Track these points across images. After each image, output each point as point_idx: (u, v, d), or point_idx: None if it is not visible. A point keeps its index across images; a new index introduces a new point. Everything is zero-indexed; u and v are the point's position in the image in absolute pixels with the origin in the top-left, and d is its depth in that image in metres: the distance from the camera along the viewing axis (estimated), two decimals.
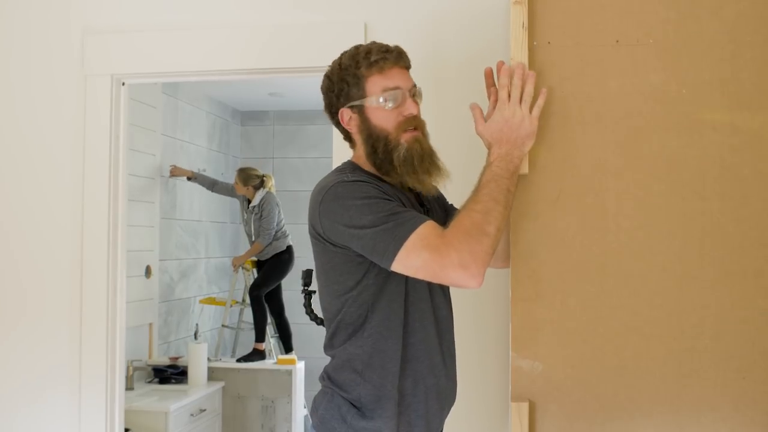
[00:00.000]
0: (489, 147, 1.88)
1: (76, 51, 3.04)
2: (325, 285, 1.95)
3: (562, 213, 1.94)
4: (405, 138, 1.91)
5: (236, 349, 6.16)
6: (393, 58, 1.93)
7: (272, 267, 5.82)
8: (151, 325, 5.41)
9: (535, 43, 1.97)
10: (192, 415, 4.78)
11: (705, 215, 1.91)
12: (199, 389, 5.00)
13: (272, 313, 5.83)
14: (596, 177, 1.94)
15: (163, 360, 5.37)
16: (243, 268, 6.12)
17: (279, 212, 5.84)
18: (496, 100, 1.91)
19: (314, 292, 4.53)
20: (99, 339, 2.98)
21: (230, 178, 6.64)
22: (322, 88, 2.01)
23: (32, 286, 3.05)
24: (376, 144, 1.92)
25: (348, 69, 1.93)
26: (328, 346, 1.97)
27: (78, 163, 3.01)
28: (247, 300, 5.96)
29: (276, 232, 5.79)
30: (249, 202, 5.91)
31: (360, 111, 1.93)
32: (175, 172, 5.78)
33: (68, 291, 3.01)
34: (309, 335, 5.95)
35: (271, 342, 5.83)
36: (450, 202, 2.20)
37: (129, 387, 4.70)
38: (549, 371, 1.94)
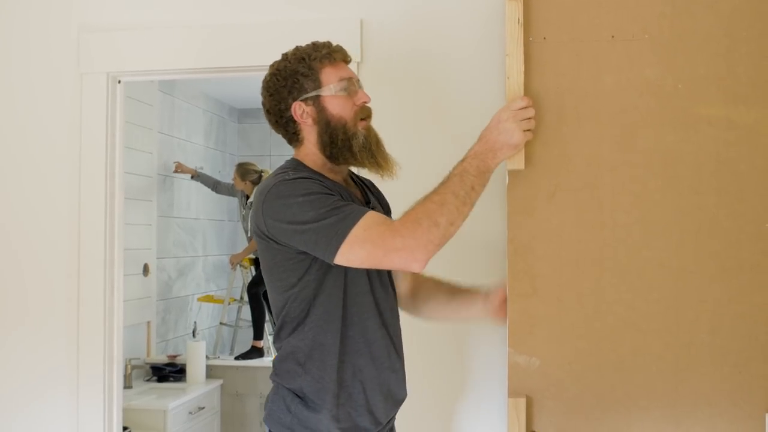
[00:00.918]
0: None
1: (72, 49, 3.03)
2: (270, 282, 1.98)
3: (558, 208, 1.95)
4: (361, 126, 1.97)
5: (234, 346, 6.16)
6: (341, 53, 2.00)
7: None
8: (149, 323, 5.41)
9: (530, 38, 1.97)
10: (190, 413, 4.78)
11: (701, 210, 1.91)
12: (197, 387, 4.99)
13: (270, 310, 5.82)
14: (592, 172, 1.94)
15: (161, 358, 5.37)
16: (241, 265, 6.12)
17: None
18: None
19: None
20: (97, 337, 2.98)
21: (228, 176, 6.64)
22: (267, 89, 2.01)
23: (29, 285, 3.05)
24: (335, 133, 1.95)
25: (301, 62, 1.96)
26: (276, 340, 2.01)
27: (74, 162, 3.01)
28: (245, 298, 5.96)
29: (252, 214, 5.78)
30: (247, 198, 5.91)
31: (315, 102, 1.96)
32: (179, 168, 5.79)
33: (66, 289, 3.00)
34: None
35: (270, 340, 5.83)
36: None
37: (127, 385, 4.69)
38: (546, 367, 1.94)
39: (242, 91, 6.65)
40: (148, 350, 5.37)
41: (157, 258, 5.59)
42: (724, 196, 1.91)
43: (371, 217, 1.79)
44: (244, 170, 5.89)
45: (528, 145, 1.93)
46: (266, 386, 5.28)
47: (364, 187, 2.14)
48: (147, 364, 5.23)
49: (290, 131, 2.02)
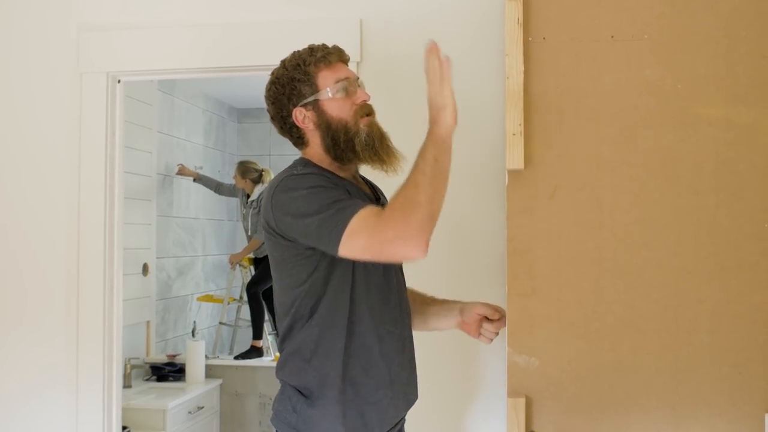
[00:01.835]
0: None
1: (72, 49, 3.03)
2: (279, 279, 1.99)
3: (558, 208, 1.95)
4: (363, 123, 1.96)
5: (234, 346, 6.15)
6: (337, 54, 1.99)
7: (268, 263, 5.81)
8: (148, 322, 5.40)
9: (530, 38, 1.97)
10: (190, 412, 4.78)
11: (700, 210, 1.91)
12: (196, 387, 4.99)
13: (269, 310, 5.82)
14: (592, 172, 1.94)
15: (160, 358, 5.36)
16: (240, 265, 6.11)
17: None
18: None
19: None
20: (96, 337, 2.98)
21: (228, 175, 6.64)
22: (269, 98, 2.04)
23: (29, 285, 3.05)
24: (336, 135, 1.96)
25: (297, 68, 1.97)
26: (283, 338, 2.00)
27: (74, 162, 3.01)
28: (245, 297, 5.96)
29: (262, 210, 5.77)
30: (248, 197, 5.91)
31: (315, 106, 1.97)
32: (183, 171, 5.83)
33: (65, 289, 3.00)
34: None
35: (269, 339, 5.83)
36: None
37: (127, 385, 4.69)
38: (545, 366, 1.94)
39: (242, 90, 6.65)
40: (147, 350, 5.37)
41: (157, 257, 5.58)
42: (723, 195, 1.91)
43: (367, 209, 1.79)
44: (244, 168, 5.89)
45: (528, 145, 1.93)
46: (266, 386, 5.29)
47: (373, 185, 2.15)
48: (146, 363, 5.23)
49: (295, 136, 2.03)
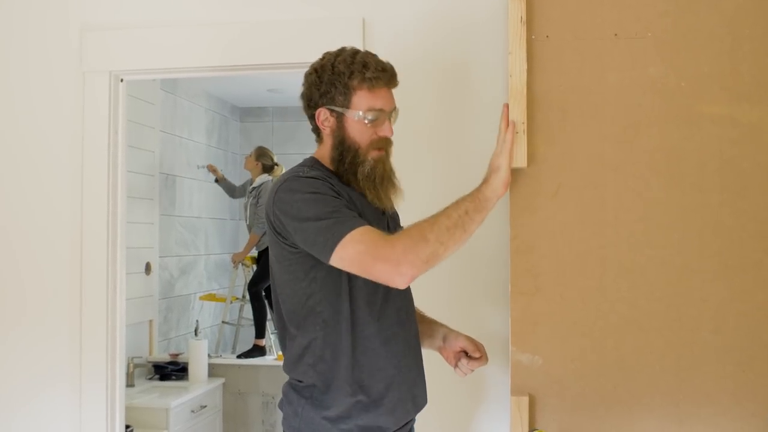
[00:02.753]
0: None
1: (75, 48, 3.03)
2: (278, 275, 1.99)
3: (561, 207, 1.94)
4: (372, 155, 1.95)
5: (236, 345, 6.16)
6: (386, 79, 1.96)
7: (267, 260, 5.80)
8: (151, 321, 5.41)
9: (533, 37, 1.97)
10: (193, 411, 4.78)
11: (704, 208, 1.91)
12: (199, 386, 4.99)
13: (270, 305, 5.82)
14: (595, 170, 1.94)
15: (163, 357, 5.37)
16: (243, 264, 6.12)
17: None
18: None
19: None
20: (99, 336, 2.98)
21: (230, 174, 6.65)
22: (306, 81, 2.01)
23: (32, 284, 3.05)
24: (345, 153, 1.95)
25: (340, 75, 1.94)
26: (284, 338, 2.01)
27: (77, 161, 3.01)
28: (247, 296, 5.96)
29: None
30: (252, 183, 5.92)
31: (339, 117, 1.96)
32: (213, 169, 6.13)
33: (68, 288, 3.00)
34: None
35: (272, 338, 5.83)
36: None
37: (129, 384, 4.69)
38: (548, 365, 1.94)
39: (244, 89, 6.65)
40: (150, 349, 5.38)
41: (160, 256, 5.59)
42: (727, 194, 1.91)
43: (368, 228, 1.80)
44: (262, 152, 5.91)
45: (531, 143, 1.93)
46: (268, 385, 5.29)
47: None
48: (149, 362, 5.23)
49: (313, 125, 2.03)
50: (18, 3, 3.09)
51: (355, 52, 1.97)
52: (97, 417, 2.97)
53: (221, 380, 5.27)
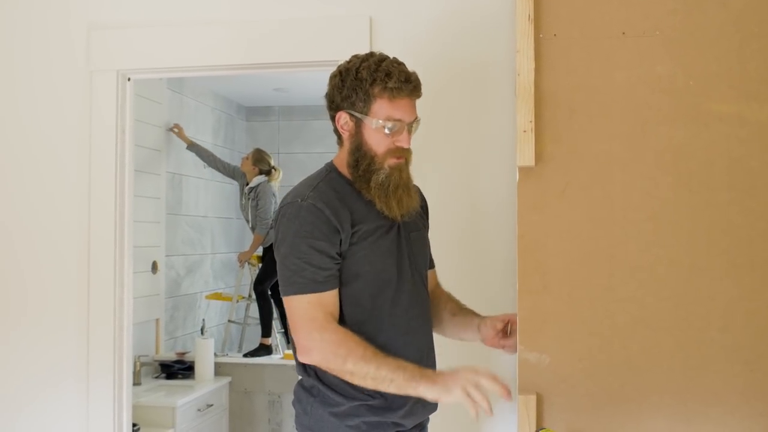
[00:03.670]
0: None
1: (82, 47, 3.04)
2: None
3: (569, 205, 1.94)
4: (389, 163, 1.96)
5: (243, 344, 6.16)
6: (408, 90, 1.95)
7: (272, 257, 5.80)
8: (157, 320, 5.42)
9: (541, 35, 1.96)
10: (199, 410, 4.79)
11: (712, 207, 1.90)
12: (206, 384, 5.00)
13: (276, 304, 5.82)
14: (603, 169, 1.93)
15: (169, 355, 5.38)
16: (249, 263, 6.12)
17: (275, 202, 5.83)
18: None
19: None
20: (106, 335, 2.98)
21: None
22: (330, 81, 2.02)
23: (40, 283, 3.05)
24: (361, 160, 1.96)
25: (362, 82, 1.94)
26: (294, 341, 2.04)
27: (84, 159, 3.01)
28: (254, 295, 5.96)
29: (271, 220, 5.78)
30: (247, 184, 5.88)
31: (357, 123, 1.96)
32: (179, 132, 5.71)
33: (75, 287, 3.01)
34: None
35: (278, 337, 5.83)
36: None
37: (136, 382, 4.70)
38: (556, 364, 1.94)
39: (250, 89, 6.65)
40: (156, 347, 5.38)
41: (166, 255, 5.60)
42: (735, 192, 1.90)
43: (319, 297, 1.88)
44: (260, 156, 5.85)
45: (538, 141, 1.93)
46: (274, 383, 5.29)
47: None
48: (156, 361, 5.24)
49: (334, 126, 2.04)
50: (25, 2, 3.09)
51: (381, 60, 1.97)
52: (104, 415, 2.98)
53: (227, 379, 5.27)
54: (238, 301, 6.22)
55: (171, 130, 5.68)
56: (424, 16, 2.77)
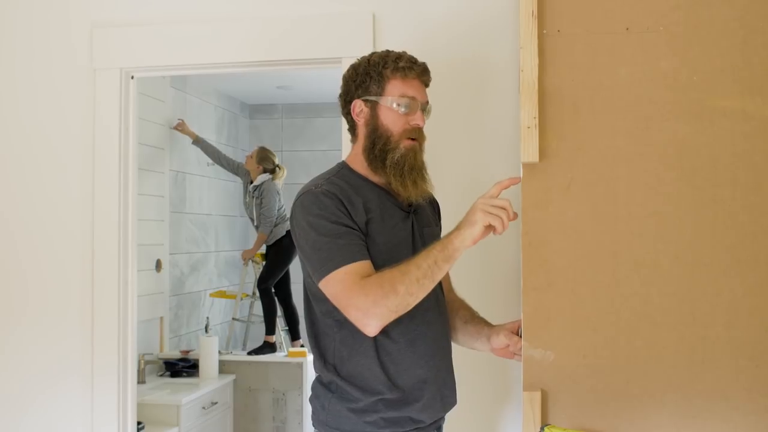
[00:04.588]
0: None
1: (85, 45, 3.04)
2: (305, 277, 2.05)
3: (574, 201, 1.94)
4: (404, 144, 2.00)
5: (247, 342, 6.17)
6: (418, 70, 2.03)
7: (275, 255, 5.80)
8: (161, 318, 5.42)
9: (544, 31, 1.96)
10: (203, 408, 4.79)
11: (716, 202, 1.90)
12: (210, 382, 5.00)
13: (279, 301, 5.82)
14: (607, 165, 1.93)
15: (174, 353, 5.38)
16: (253, 261, 6.12)
17: (279, 200, 5.83)
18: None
19: None
20: (111, 333, 2.99)
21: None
22: (343, 76, 2.10)
23: (44, 282, 3.06)
24: (377, 140, 2.01)
25: (375, 66, 2.02)
26: (312, 336, 2.06)
27: (88, 157, 3.02)
28: (258, 293, 5.96)
29: (275, 218, 5.78)
30: (251, 182, 5.88)
31: (373, 106, 2.02)
32: (182, 128, 5.69)
33: (79, 286, 3.02)
34: None
35: (282, 335, 5.84)
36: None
37: (140, 381, 4.71)
38: (561, 360, 1.94)
39: (254, 86, 6.65)
40: (161, 345, 5.39)
41: (170, 254, 5.60)
42: (739, 188, 1.90)
43: (355, 266, 1.87)
44: (264, 155, 5.83)
45: (542, 137, 1.93)
46: (279, 381, 5.29)
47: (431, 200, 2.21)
48: (160, 359, 5.25)
49: (349, 122, 2.10)
50: (30, 1, 3.09)
51: (390, 50, 2.07)
52: (108, 413, 2.98)
53: (232, 377, 5.28)
54: (242, 299, 6.22)
55: (175, 127, 5.67)
56: (428, 12, 2.77)
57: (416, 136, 2.02)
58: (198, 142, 5.82)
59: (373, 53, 2.07)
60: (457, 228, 1.87)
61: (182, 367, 5.14)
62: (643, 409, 1.91)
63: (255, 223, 5.89)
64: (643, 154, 1.92)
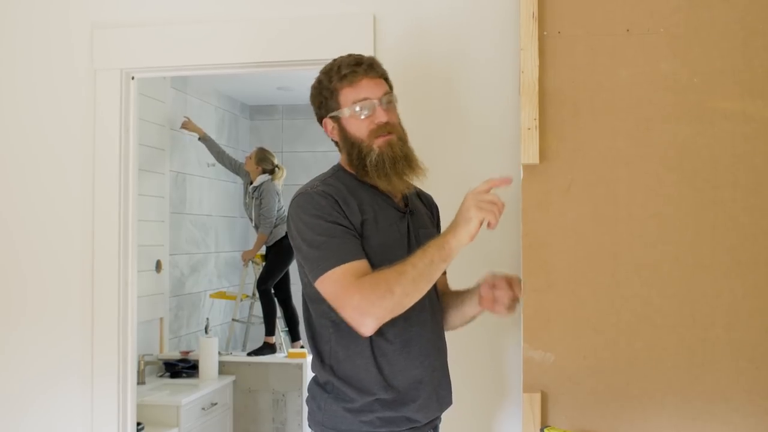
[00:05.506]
0: None
1: (85, 45, 3.04)
2: (302, 277, 2.05)
3: (574, 203, 1.94)
4: (377, 143, 1.99)
5: (247, 343, 6.17)
6: (362, 70, 2.01)
7: (275, 255, 5.80)
8: (161, 319, 5.42)
9: (545, 33, 1.96)
10: (203, 409, 4.79)
11: (717, 204, 1.90)
12: (210, 383, 5.00)
13: (279, 302, 5.82)
14: (607, 166, 1.93)
15: (174, 354, 5.38)
16: (253, 262, 6.12)
17: (279, 200, 5.83)
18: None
19: None
20: (111, 334, 2.99)
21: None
22: (310, 98, 2.11)
23: (44, 283, 3.06)
24: (352, 150, 2.02)
25: (324, 83, 2.04)
26: (310, 337, 2.06)
27: (88, 158, 3.01)
28: (257, 294, 5.96)
29: (275, 219, 5.78)
30: (251, 183, 5.88)
31: (338, 121, 2.04)
32: (188, 125, 5.70)
33: (79, 286, 3.01)
34: None
35: (282, 336, 5.84)
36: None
37: (140, 381, 4.70)
38: (561, 362, 1.94)
39: (254, 87, 6.65)
40: (160, 346, 5.39)
41: (170, 254, 5.60)
42: (740, 190, 1.90)
43: (351, 266, 1.87)
44: (263, 156, 5.83)
45: (542, 139, 1.93)
46: (278, 382, 5.29)
47: (426, 199, 2.23)
48: (160, 360, 5.24)
49: (331, 138, 2.11)
50: (30, 1, 3.09)
51: (334, 59, 2.06)
52: (108, 414, 2.98)
53: (231, 378, 5.28)
54: (242, 300, 6.22)
55: (182, 126, 5.68)
56: (428, 13, 2.77)
57: (388, 130, 1.99)
58: (205, 139, 5.84)
59: (322, 69, 2.06)
60: (452, 226, 1.87)
61: (182, 368, 5.13)
62: (643, 411, 1.91)
63: (254, 224, 5.89)
64: (643, 155, 1.92)
